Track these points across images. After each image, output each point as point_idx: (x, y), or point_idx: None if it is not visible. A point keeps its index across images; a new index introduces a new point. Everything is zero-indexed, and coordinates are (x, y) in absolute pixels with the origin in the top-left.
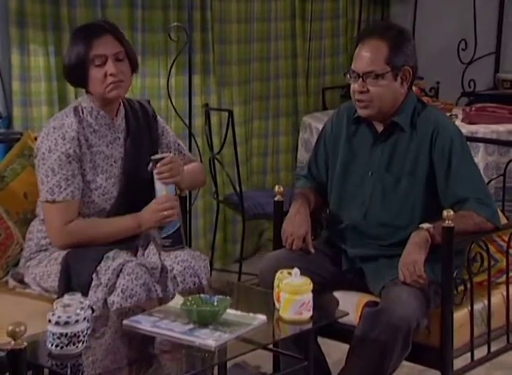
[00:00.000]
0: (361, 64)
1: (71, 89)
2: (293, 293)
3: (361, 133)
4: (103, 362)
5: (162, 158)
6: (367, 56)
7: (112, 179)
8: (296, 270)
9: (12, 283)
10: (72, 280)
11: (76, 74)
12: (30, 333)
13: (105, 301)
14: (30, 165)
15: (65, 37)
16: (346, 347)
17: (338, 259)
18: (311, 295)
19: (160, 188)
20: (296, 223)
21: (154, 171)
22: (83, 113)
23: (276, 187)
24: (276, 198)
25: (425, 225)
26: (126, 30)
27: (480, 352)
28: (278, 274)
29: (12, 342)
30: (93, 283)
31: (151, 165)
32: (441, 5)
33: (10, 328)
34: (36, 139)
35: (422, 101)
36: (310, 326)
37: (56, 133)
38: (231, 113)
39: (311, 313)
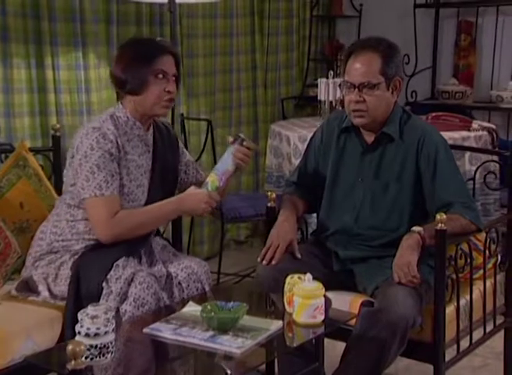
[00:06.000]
0: (357, 75)
1: (52, 101)
2: (308, 297)
3: (351, 142)
4: (134, 371)
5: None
6: (362, 68)
7: (142, 187)
8: (308, 275)
9: (13, 293)
10: (82, 287)
11: (136, 82)
12: (40, 341)
13: (117, 309)
14: (25, 175)
15: (47, 51)
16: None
17: (329, 261)
18: (323, 299)
19: (229, 163)
20: (284, 230)
21: (236, 146)
22: (118, 122)
23: (269, 193)
24: (269, 204)
25: (417, 228)
26: (102, 44)
27: (462, 344)
28: (288, 279)
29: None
30: (104, 292)
31: (232, 139)
32: (383, 23)
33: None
34: (30, 150)
35: (407, 112)
36: (323, 329)
37: (96, 132)
38: (210, 123)
39: (323, 316)
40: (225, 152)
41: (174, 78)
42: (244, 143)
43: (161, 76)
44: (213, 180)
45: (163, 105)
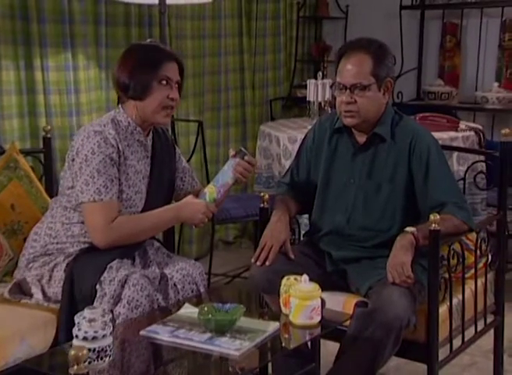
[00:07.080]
0: (348, 77)
1: (41, 102)
2: (305, 299)
3: (343, 143)
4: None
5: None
6: (353, 69)
7: (140, 194)
8: (305, 276)
9: (6, 295)
10: (75, 289)
11: (139, 87)
12: (34, 344)
13: (111, 312)
14: (16, 177)
15: (35, 52)
16: None
17: (322, 261)
18: (320, 300)
19: (229, 176)
20: (277, 230)
21: (237, 159)
22: (119, 126)
23: (262, 194)
24: (262, 205)
25: (410, 229)
26: (91, 45)
27: (454, 343)
28: (284, 280)
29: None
30: (98, 294)
31: (234, 152)
32: (369, 25)
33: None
34: (20, 151)
35: (399, 113)
36: (319, 330)
37: (98, 136)
38: (201, 124)
39: (320, 317)
40: (226, 165)
41: (177, 85)
42: (246, 157)
43: (164, 82)
44: (211, 191)
45: (165, 113)
